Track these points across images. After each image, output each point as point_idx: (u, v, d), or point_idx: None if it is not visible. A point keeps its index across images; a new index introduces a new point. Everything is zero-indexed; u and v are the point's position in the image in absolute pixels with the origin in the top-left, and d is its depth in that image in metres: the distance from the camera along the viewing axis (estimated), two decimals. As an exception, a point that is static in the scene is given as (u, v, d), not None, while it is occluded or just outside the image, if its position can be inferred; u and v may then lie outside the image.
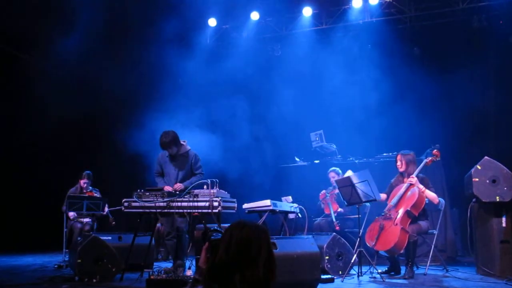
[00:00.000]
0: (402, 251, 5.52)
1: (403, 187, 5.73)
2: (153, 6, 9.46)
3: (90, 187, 7.48)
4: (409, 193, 5.66)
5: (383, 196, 5.88)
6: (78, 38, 8.61)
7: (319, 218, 7.17)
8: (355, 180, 5.57)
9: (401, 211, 5.54)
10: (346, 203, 5.89)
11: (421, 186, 5.64)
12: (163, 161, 5.83)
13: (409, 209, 5.52)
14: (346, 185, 5.67)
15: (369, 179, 5.52)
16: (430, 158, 5.85)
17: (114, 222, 7.54)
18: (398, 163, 5.94)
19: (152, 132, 8.15)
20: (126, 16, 9.31)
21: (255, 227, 2.18)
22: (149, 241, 5.76)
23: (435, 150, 5.91)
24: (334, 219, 6.79)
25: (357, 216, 5.71)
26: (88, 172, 7.50)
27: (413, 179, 5.69)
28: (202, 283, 2.21)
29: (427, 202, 5.72)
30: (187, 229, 5.67)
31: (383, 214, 5.73)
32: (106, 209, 7.31)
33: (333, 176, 7.11)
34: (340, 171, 7.16)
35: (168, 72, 10.08)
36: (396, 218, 5.52)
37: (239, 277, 2.06)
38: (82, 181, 7.44)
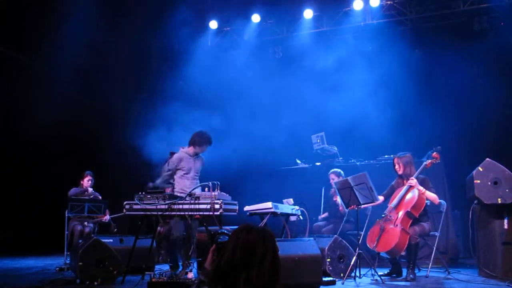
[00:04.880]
0: (403, 253, 5.52)
1: (403, 189, 5.74)
2: (154, 8, 9.48)
3: (92, 189, 7.48)
4: (409, 194, 5.67)
5: (380, 198, 5.88)
6: (78, 37, 8.64)
7: (320, 222, 7.18)
8: (353, 183, 5.57)
9: (401, 213, 5.55)
10: (345, 206, 5.88)
11: (421, 188, 5.64)
12: (185, 158, 5.82)
13: (409, 210, 5.53)
14: (345, 187, 5.66)
15: (366, 182, 5.51)
16: (429, 161, 5.84)
17: (116, 230, 7.54)
18: (396, 166, 5.95)
19: (153, 134, 8.17)
20: (126, 17, 9.33)
21: (262, 230, 2.20)
22: (150, 244, 5.76)
23: (435, 153, 5.91)
24: (339, 202, 6.78)
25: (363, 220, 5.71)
26: (89, 171, 7.53)
27: (413, 181, 5.69)
28: (207, 284, 2.22)
29: (428, 203, 5.73)
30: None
31: (383, 216, 5.73)
32: (108, 216, 7.30)
33: (333, 178, 7.11)
34: (342, 173, 7.15)
35: (169, 74, 10.08)
36: (396, 219, 5.53)
37: (244, 279, 2.07)
38: (85, 179, 7.44)
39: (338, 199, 6.82)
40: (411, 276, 5.42)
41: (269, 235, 2.20)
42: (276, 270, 2.14)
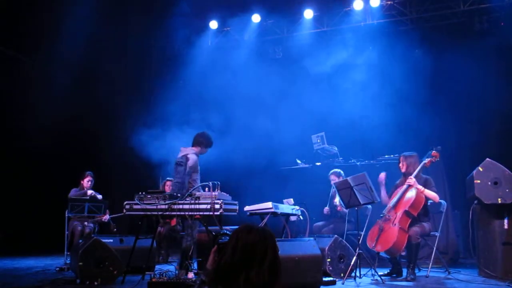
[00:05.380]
0: (402, 252, 5.54)
1: (402, 188, 5.75)
2: (154, 8, 9.48)
3: (93, 190, 7.47)
4: (408, 193, 5.68)
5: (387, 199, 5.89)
6: (78, 37, 8.64)
7: (319, 222, 7.17)
8: (353, 183, 5.57)
9: (399, 212, 5.57)
10: (345, 206, 5.89)
11: (419, 187, 5.65)
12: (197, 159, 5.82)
13: (407, 209, 5.54)
14: (345, 187, 5.66)
15: (366, 182, 5.51)
16: (428, 159, 5.85)
17: (115, 229, 7.53)
18: (400, 164, 5.98)
19: (153, 134, 8.16)
20: (126, 17, 9.33)
21: (262, 231, 2.21)
22: (151, 244, 5.76)
23: (434, 151, 5.91)
24: (337, 203, 6.80)
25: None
26: (90, 172, 7.52)
27: (412, 180, 5.70)
28: (208, 284, 2.23)
29: (430, 203, 5.73)
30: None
31: (381, 215, 5.75)
32: (107, 216, 7.29)
33: (333, 179, 7.10)
34: (342, 173, 7.15)
35: (169, 74, 10.08)
36: (395, 218, 5.55)
37: (243, 279, 2.07)
38: (86, 180, 7.43)
39: (336, 200, 6.83)
40: (411, 276, 5.42)
41: (270, 235, 2.20)
42: (276, 270, 2.15)
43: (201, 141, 5.77)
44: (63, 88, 9.09)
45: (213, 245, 2.40)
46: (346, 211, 6.65)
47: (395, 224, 5.50)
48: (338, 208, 6.82)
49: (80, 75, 9.49)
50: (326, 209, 7.10)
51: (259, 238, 2.16)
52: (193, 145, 5.80)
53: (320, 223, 7.14)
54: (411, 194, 5.64)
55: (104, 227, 7.64)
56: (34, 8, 8.52)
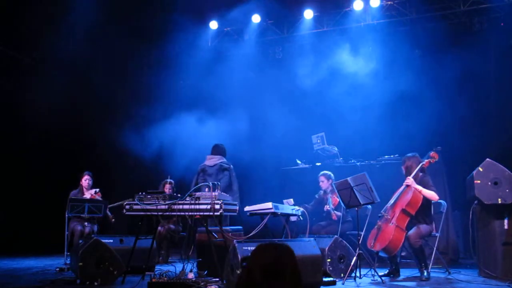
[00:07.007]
0: (403, 253, 5.54)
1: (401, 188, 5.76)
2: (154, 7, 9.48)
3: (92, 190, 7.46)
4: (405, 193, 5.69)
5: None
6: (79, 37, 8.64)
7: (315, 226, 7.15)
8: (353, 183, 5.58)
9: (397, 211, 5.60)
10: (345, 206, 5.89)
11: (417, 186, 5.65)
12: None
13: (404, 207, 5.55)
14: (344, 187, 5.67)
15: (366, 182, 5.52)
16: (426, 161, 5.86)
17: (113, 220, 7.50)
18: (403, 166, 6.00)
19: (153, 134, 8.17)
20: (125, 17, 9.33)
21: (277, 248, 2.24)
22: (151, 244, 5.76)
23: (433, 152, 5.91)
24: (332, 210, 6.79)
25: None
26: (88, 172, 7.53)
27: (409, 180, 5.71)
28: None
29: (433, 202, 5.74)
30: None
31: (380, 215, 5.76)
32: (99, 196, 7.29)
33: (322, 180, 7.08)
34: (332, 175, 7.10)
35: (169, 74, 10.09)
36: (392, 217, 5.57)
37: None
38: (83, 179, 7.44)
39: (329, 207, 6.81)
40: (425, 275, 5.42)
41: (284, 252, 2.22)
42: (297, 283, 2.16)
43: (224, 151, 6.64)
44: (63, 88, 9.09)
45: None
46: (340, 214, 6.65)
47: (392, 223, 5.52)
48: (333, 217, 6.79)
49: (80, 75, 9.50)
50: (327, 207, 7.06)
51: (275, 255, 2.17)
52: (218, 154, 6.57)
53: (316, 226, 7.08)
54: (408, 193, 5.65)
55: (104, 227, 7.64)
56: (34, 8, 8.51)
